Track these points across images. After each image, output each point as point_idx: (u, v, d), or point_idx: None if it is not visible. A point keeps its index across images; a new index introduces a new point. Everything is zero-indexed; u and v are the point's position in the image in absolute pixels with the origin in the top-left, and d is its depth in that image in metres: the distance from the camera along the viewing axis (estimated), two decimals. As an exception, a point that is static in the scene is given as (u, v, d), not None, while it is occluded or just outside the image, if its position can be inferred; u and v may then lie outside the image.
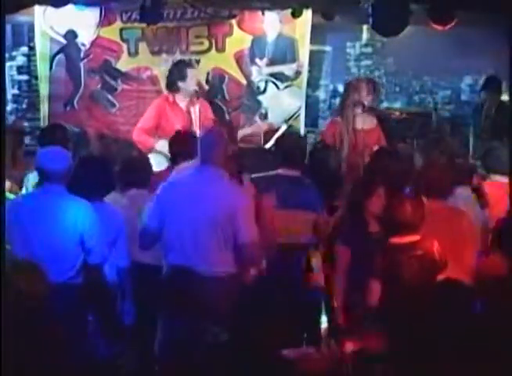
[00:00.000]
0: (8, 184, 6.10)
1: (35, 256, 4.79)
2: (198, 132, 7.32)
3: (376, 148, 7.09)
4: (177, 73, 8.11)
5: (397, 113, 9.51)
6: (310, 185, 5.86)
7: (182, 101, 8.03)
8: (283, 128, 8.79)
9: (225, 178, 5.21)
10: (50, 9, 8.75)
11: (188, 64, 8.31)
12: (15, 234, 5.00)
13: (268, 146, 8.33)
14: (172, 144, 6.43)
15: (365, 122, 7.59)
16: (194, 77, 8.10)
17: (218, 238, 5.07)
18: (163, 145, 7.58)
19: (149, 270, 5.43)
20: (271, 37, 9.25)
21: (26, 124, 9.66)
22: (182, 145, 6.22)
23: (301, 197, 5.77)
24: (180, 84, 8.01)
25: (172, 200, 5.13)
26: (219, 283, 4.98)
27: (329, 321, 5.96)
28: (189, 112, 7.96)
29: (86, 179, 5.28)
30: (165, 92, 8.40)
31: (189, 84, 8.01)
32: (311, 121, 9.77)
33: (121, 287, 5.36)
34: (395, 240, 5.17)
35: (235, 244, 5.08)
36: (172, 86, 8.11)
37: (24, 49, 9.81)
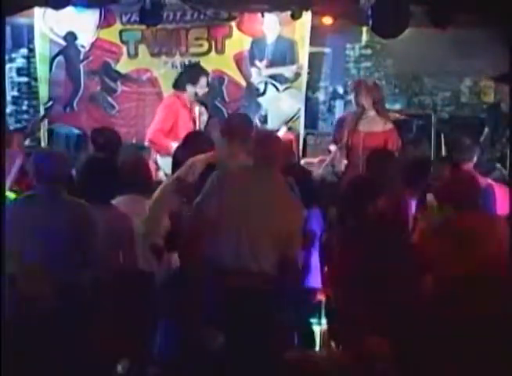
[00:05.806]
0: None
1: (35, 258, 4.80)
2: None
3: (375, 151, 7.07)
4: (190, 76, 8.17)
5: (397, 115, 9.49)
6: None
7: (188, 103, 8.12)
8: (283, 129, 8.79)
9: (281, 179, 5.19)
10: (50, 11, 8.78)
11: (203, 71, 8.36)
12: (14, 237, 4.99)
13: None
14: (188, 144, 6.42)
15: (370, 125, 7.48)
16: (204, 84, 8.16)
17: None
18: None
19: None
20: (270, 39, 9.26)
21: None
22: (199, 145, 6.21)
23: None
24: (189, 87, 8.06)
25: (228, 193, 4.99)
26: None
27: (330, 323, 5.96)
28: (194, 113, 8.03)
29: (93, 181, 5.26)
30: (169, 92, 8.44)
31: (199, 89, 8.09)
32: (311, 122, 9.77)
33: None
34: None
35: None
36: (181, 87, 8.13)
37: (24, 51, 9.80)
